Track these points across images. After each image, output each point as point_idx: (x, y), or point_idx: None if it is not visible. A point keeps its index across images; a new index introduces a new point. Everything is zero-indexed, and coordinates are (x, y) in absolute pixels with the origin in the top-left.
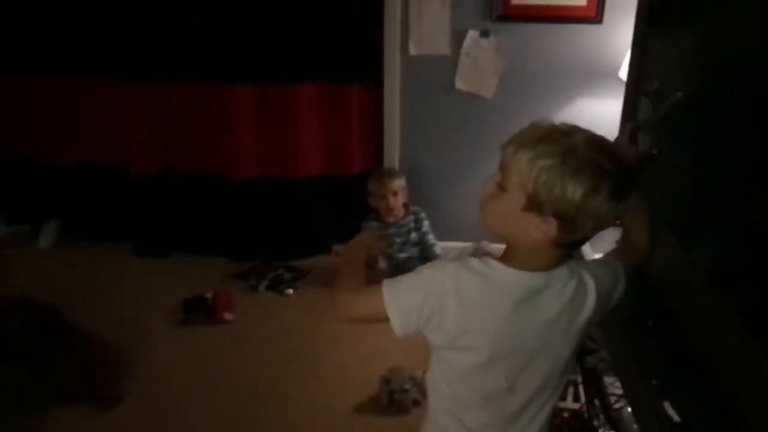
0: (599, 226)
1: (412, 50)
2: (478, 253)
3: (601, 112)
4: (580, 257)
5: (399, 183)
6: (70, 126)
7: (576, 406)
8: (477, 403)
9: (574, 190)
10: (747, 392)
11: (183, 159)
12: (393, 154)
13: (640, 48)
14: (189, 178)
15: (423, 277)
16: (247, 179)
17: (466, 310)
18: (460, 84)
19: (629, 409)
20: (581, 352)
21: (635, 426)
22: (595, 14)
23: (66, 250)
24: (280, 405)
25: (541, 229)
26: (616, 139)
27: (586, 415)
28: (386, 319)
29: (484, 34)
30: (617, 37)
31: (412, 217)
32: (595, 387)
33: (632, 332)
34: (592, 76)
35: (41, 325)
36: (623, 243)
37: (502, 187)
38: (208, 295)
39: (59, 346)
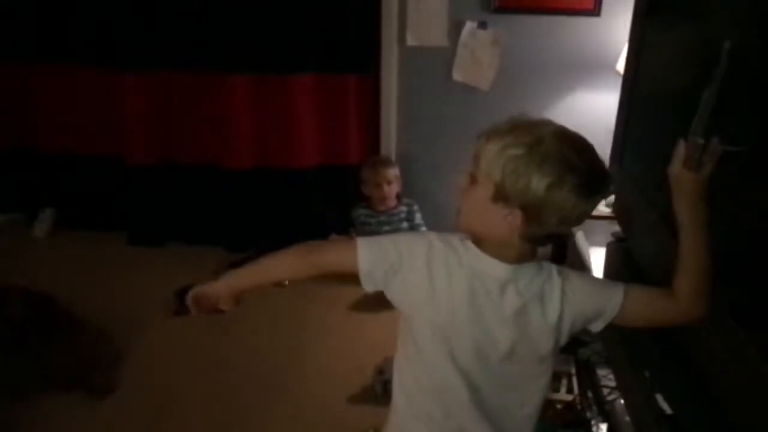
0: (565, 222)
1: (410, 41)
2: None
3: (598, 105)
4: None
5: (393, 172)
6: (66, 115)
7: (569, 397)
8: (427, 390)
9: (538, 182)
10: (738, 386)
11: (179, 149)
12: (389, 145)
13: (638, 40)
14: (185, 168)
15: (400, 236)
16: (243, 169)
17: (430, 275)
18: (457, 75)
19: (622, 401)
20: (574, 344)
21: (627, 418)
22: (593, 7)
23: (61, 238)
24: (274, 395)
25: (508, 221)
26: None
27: (579, 407)
28: (352, 268)
29: (482, 25)
30: (615, 30)
31: (404, 208)
32: (588, 379)
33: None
34: (589, 69)
35: (40, 314)
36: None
37: (473, 179)
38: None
39: (55, 334)
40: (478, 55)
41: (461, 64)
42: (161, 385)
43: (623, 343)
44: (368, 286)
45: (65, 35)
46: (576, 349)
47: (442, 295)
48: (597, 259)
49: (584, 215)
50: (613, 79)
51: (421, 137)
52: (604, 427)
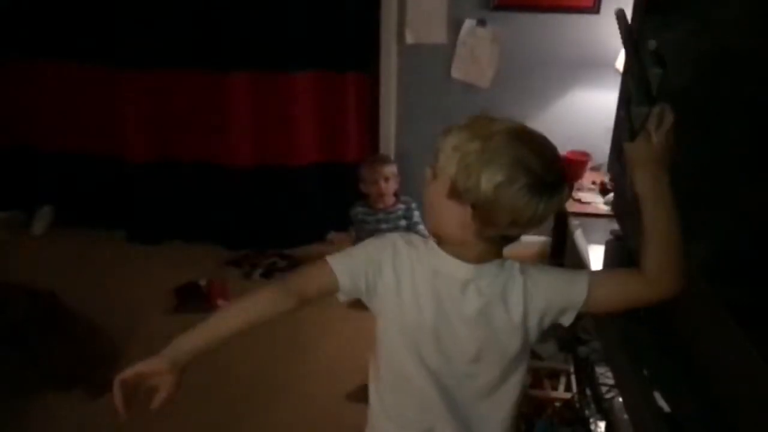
0: (517, 223)
1: (409, 39)
2: None
3: (597, 102)
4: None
5: (391, 169)
6: (65, 112)
7: (567, 395)
8: (399, 392)
9: (488, 180)
10: (736, 384)
11: (177, 146)
12: (388, 143)
13: (638, 38)
14: (183, 166)
15: (368, 243)
16: (242, 167)
17: (397, 278)
18: (456, 73)
19: (620, 399)
20: (574, 342)
21: (626, 416)
22: (591, 4)
23: (59, 236)
24: (272, 392)
25: (460, 219)
26: (631, 130)
27: (577, 405)
28: (334, 289)
29: (481, 23)
30: (614, 27)
31: (402, 206)
32: (586, 377)
33: (624, 323)
34: (588, 67)
35: (41, 312)
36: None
37: (434, 174)
38: (202, 283)
39: (55, 332)
40: (477, 53)
41: (460, 62)
42: None
43: (622, 341)
44: (343, 298)
45: (64, 33)
46: (575, 347)
47: (408, 297)
48: (596, 257)
49: (538, 218)
50: (612, 76)
51: (421, 135)
52: (602, 425)
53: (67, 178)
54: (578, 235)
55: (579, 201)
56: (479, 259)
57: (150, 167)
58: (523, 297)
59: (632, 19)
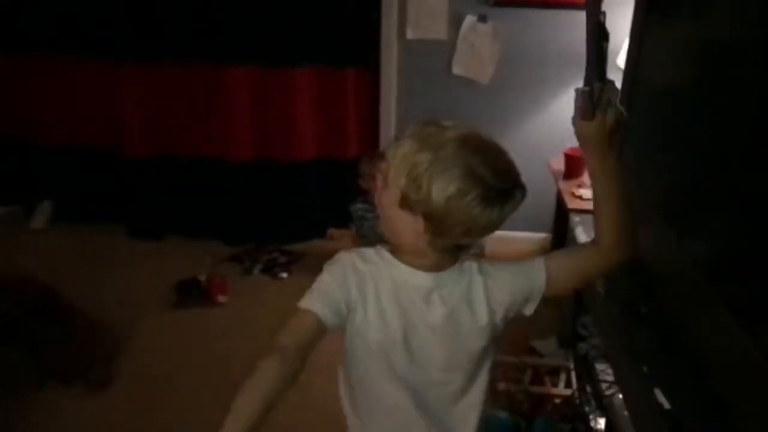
0: (471, 233)
1: (410, 34)
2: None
3: None
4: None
5: None
6: (64, 107)
7: (567, 392)
8: (375, 407)
9: (439, 192)
10: (736, 381)
11: (177, 141)
12: (389, 138)
13: (639, 35)
14: (183, 161)
15: (327, 271)
16: (242, 162)
17: (363, 297)
18: (457, 69)
19: (620, 396)
20: (574, 338)
21: (626, 413)
22: None
23: (59, 231)
24: None
25: (413, 228)
26: (579, 109)
27: (577, 402)
28: (324, 329)
29: (482, 19)
30: (615, 24)
31: None
32: (586, 373)
33: (625, 319)
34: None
35: (42, 306)
36: (594, 240)
37: (384, 182)
38: (202, 278)
39: (55, 327)
40: (477, 49)
41: (461, 58)
42: (160, 378)
43: (622, 337)
44: (334, 329)
45: (63, 27)
46: (575, 344)
47: (374, 314)
48: None
49: (492, 226)
50: (613, 73)
51: None
52: (602, 421)
53: (67, 172)
54: (579, 232)
55: (580, 198)
56: (438, 267)
57: (150, 162)
58: (486, 297)
59: (633, 15)
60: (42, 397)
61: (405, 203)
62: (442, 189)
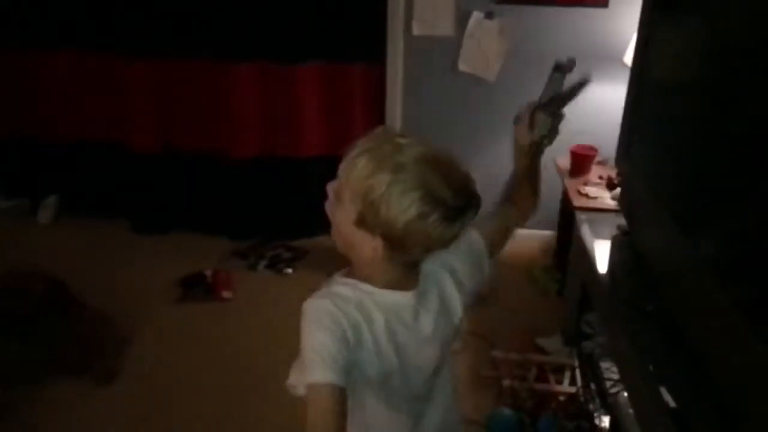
0: (431, 249)
1: (416, 30)
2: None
3: (604, 97)
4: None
5: None
6: (71, 101)
7: (572, 390)
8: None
9: (399, 215)
10: (743, 380)
11: (183, 136)
12: None
13: (647, 32)
14: (189, 156)
15: (318, 334)
16: (248, 158)
17: (359, 341)
18: (463, 65)
19: (625, 394)
20: (579, 336)
21: (631, 411)
22: None
23: (65, 225)
24: (277, 384)
25: (371, 247)
26: (516, 116)
27: (582, 399)
28: (344, 394)
29: (489, 15)
30: (622, 22)
31: None
32: (591, 371)
33: (631, 318)
34: (596, 61)
35: (51, 300)
36: (507, 200)
37: (339, 196)
38: (207, 273)
39: (63, 320)
40: (484, 46)
41: (467, 55)
42: (164, 372)
43: (628, 335)
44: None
45: (70, 21)
46: (579, 342)
47: (372, 354)
48: (601, 251)
49: (453, 240)
50: (620, 71)
51: (427, 127)
52: (606, 419)
53: (73, 167)
54: (585, 230)
55: (586, 196)
56: (410, 283)
57: (156, 157)
58: (457, 290)
59: (642, 13)
60: (49, 390)
61: (362, 224)
62: (401, 213)
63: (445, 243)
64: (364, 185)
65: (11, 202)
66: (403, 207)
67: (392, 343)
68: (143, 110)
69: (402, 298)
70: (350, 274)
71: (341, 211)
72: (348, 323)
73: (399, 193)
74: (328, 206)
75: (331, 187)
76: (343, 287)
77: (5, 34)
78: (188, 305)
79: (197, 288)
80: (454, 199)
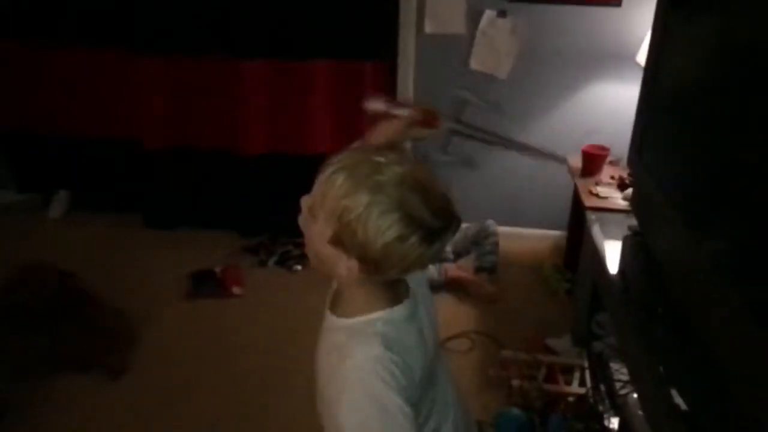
0: (409, 270)
1: (428, 28)
2: (482, 234)
3: (616, 96)
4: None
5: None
6: (83, 97)
7: (581, 390)
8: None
9: (376, 238)
10: (756, 383)
11: (194, 133)
12: None
13: (661, 31)
14: (200, 152)
15: (374, 382)
16: (258, 155)
17: (405, 373)
18: (474, 64)
19: (635, 396)
20: (589, 337)
21: (640, 413)
22: None
23: (76, 220)
24: (286, 380)
25: (346, 266)
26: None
27: (591, 400)
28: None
29: (501, 13)
30: (636, 21)
31: None
32: (601, 372)
33: (641, 319)
34: (608, 60)
35: (63, 294)
36: None
37: (313, 212)
38: (217, 269)
39: (74, 314)
40: (496, 44)
41: (479, 53)
42: (174, 367)
43: (639, 336)
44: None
45: (83, 18)
46: (589, 343)
47: (417, 371)
48: (612, 252)
49: (432, 260)
50: (633, 70)
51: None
52: (616, 421)
53: (85, 162)
54: (595, 230)
55: (597, 196)
56: (397, 295)
57: (167, 153)
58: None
59: (656, 12)
60: (59, 384)
61: (337, 243)
62: (379, 235)
63: (423, 265)
64: (341, 205)
65: (23, 196)
66: (382, 229)
67: (422, 357)
68: (155, 106)
69: (404, 311)
70: (347, 311)
71: (316, 227)
72: (396, 368)
73: (377, 214)
74: (302, 221)
75: (305, 202)
76: (361, 336)
77: (20, 30)
78: (198, 301)
79: (207, 284)
80: (434, 221)
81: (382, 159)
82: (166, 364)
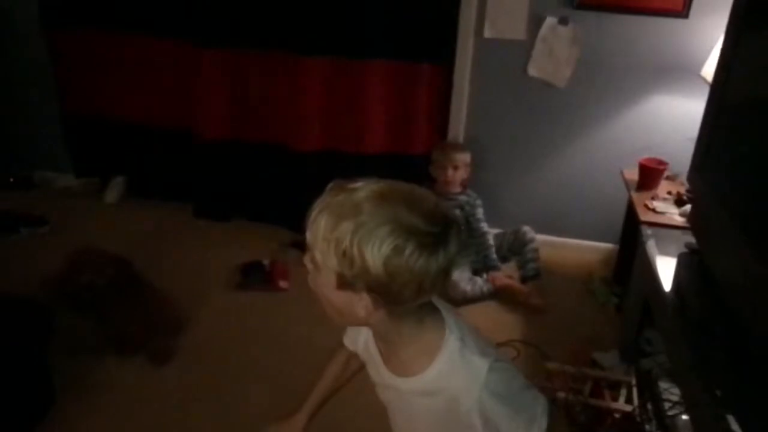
0: (425, 287)
1: (487, 33)
2: (520, 242)
3: (679, 110)
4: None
5: (463, 158)
6: (143, 85)
7: (628, 408)
8: None
9: (374, 258)
10: None
11: (250, 126)
12: (457, 136)
13: (732, 46)
14: (254, 145)
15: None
16: (311, 151)
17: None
18: (532, 71)
19: (684, 417)
20: (637, 353)
21: None
22: (681, 8)
23: (130, 206)
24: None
25: (362, 307)
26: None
27: (638, 419)
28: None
29: (563, 21)
30: (702, 34)
31: (464, 198)
32: (649, 391)
33: (698, 339)
34: (671, 72)
35: (120, 278)
36: None
37: (315, 264)
38: (265, 262)
39: (127, 298)
40: (556, 51)
41: (538, 60)
42: (219, 356)
43: (694, 357)
44: None
45: (149, 8)
46: (638, 359)
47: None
48: (666, 269)
49: (444, 271)
50: (697, 84)
51: (491, 131)
52: None
53: (141, 149)
54: (650, 246)
55: (653, 210)
56: (438, 320)
57: (221, 145)
58: None
59: (727, 25)
60: (103, 365)
61: (343, 284)
62: (376, 253)
63: (432, 278)
64: (332, 240)
65: (81, 181)
66: (376, 246)
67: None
68: (213, 98)
69: (456, 333)
70: (415, 362)
71: (321, 278)
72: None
73: (367, 233)
74: (311, 281)
75: (307, 260)
76: (456, 365)
77: (85, 15)
78: (245, 292)
79: (255, 276)
80: (427, 225)
81: (354, 185)
82: (211, 353)
